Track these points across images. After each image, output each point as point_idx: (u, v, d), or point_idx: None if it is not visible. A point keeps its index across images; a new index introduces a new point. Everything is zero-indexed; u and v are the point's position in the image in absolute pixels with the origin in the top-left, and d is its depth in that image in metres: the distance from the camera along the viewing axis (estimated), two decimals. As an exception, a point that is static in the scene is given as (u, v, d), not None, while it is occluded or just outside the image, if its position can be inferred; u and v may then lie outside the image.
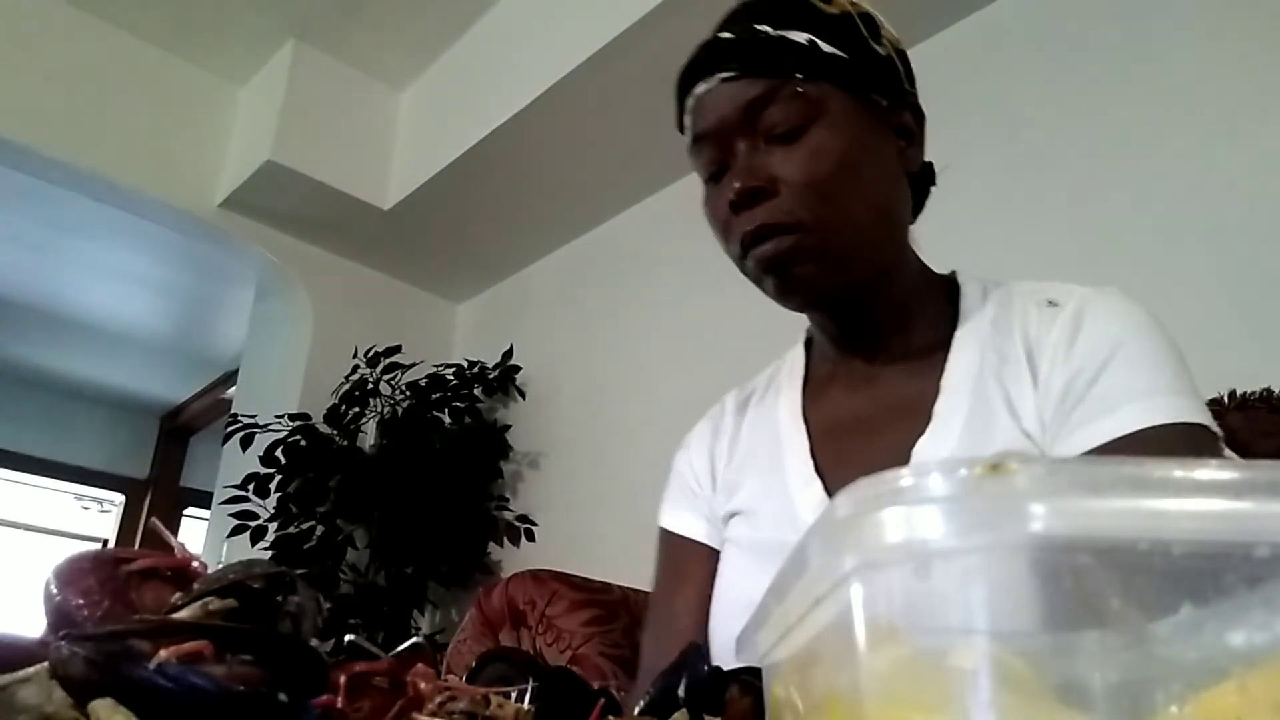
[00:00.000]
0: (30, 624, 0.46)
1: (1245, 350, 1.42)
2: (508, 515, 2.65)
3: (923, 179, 0.79)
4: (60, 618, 0.43)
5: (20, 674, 0.36)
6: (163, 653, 0.35)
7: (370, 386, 2.73)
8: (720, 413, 0.91)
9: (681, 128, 0.79)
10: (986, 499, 0.21)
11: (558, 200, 2.77)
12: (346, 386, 2.73)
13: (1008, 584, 0.22)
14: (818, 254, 0.70)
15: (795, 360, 0.87)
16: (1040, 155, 1.83)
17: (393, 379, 2.75)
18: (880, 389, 0.77)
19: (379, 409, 2.74)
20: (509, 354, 2.86)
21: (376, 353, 2.73)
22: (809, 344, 0.88)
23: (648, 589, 1.61)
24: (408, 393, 2.77)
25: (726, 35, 0.73)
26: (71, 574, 0.45)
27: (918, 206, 0.80)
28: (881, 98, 0.73)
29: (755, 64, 0.70)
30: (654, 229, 2.68)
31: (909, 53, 0.79)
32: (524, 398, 2.87)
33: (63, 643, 0.36)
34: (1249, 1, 1.62)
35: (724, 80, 0.71)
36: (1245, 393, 1.29)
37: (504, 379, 2.83)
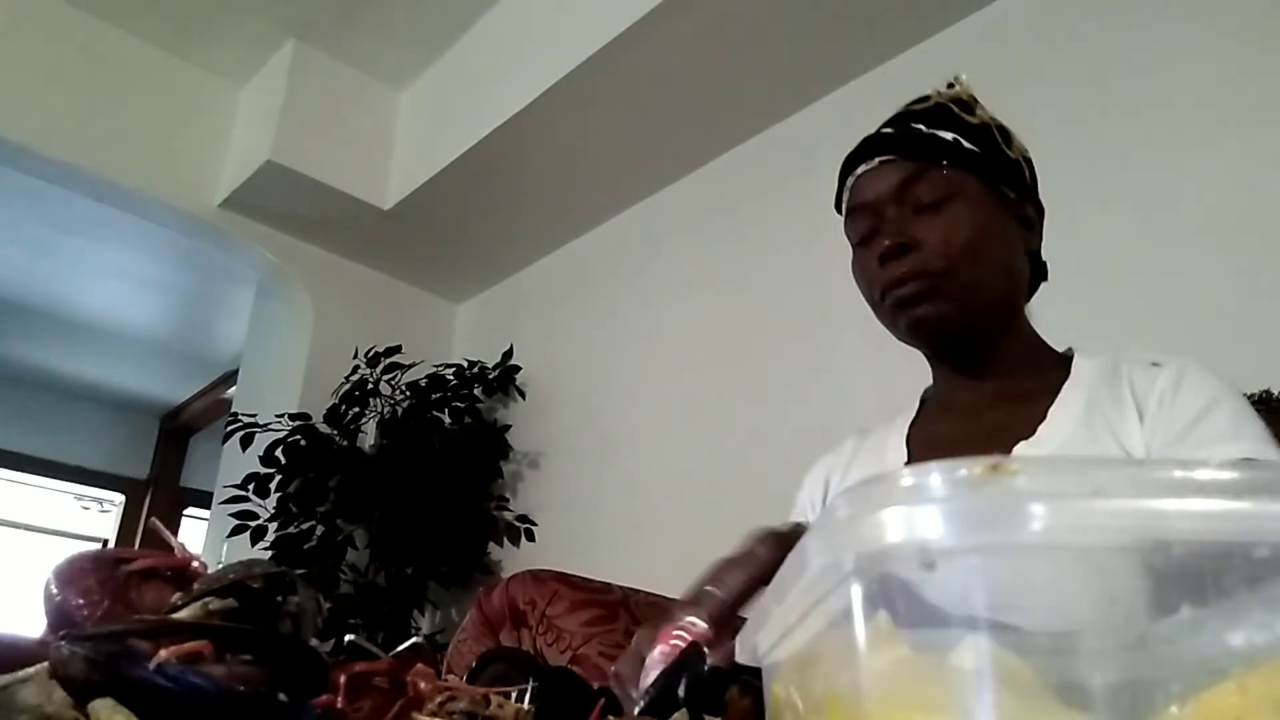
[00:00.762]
0: (30, 624, 0.46)
1: (1244, 351, 1.42)
2: (508, 515, 2.65)
3: (1037, 269, 0.94)
4: (60, 618, 0.43)
5: (20, 674, 0.36)
6: (163, 653, 0.35)
7: (370, 386, 2.73)
8: (839, 448, 1.03)
9: (839, 204, 0.94)
10: (986, 499, 0.21)
11: (558, 200, 2.77)
12: (346, 386, 2.73)
13: (1007, 584, 0.22)
14: (948, 298, 0.84)
15: (910, 408, 1.00)
16: (1038, 157, 1.83)
17: (393, 379, 2.75)
18: (986, 417, 0.88)
19: (379, 409, 2.74)
20: (509, 354, 2.86)
21: (376, 353, 2.73)
22: (924, 401, 1.00)
23: (648, 589, 1.62)
24: (408, 393, 2.77)
25: (887, 130, 0.89)
26: (71, 574, 0.45)
27: (1033, 288, 0.94)
28: (1010, 190, 0.88)
29: (909, 150, 0.86)
30: (654, 229, 2.68)
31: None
32: (524, 398, 2.87)
33: (63, 643, 0.36)
34: (1248, 4, 1.62)
35: (882, 163, 0.87)
36: (1245, 394, 1.29)
37: (504, 379, 2.82)
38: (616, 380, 2.63)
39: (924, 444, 0.91)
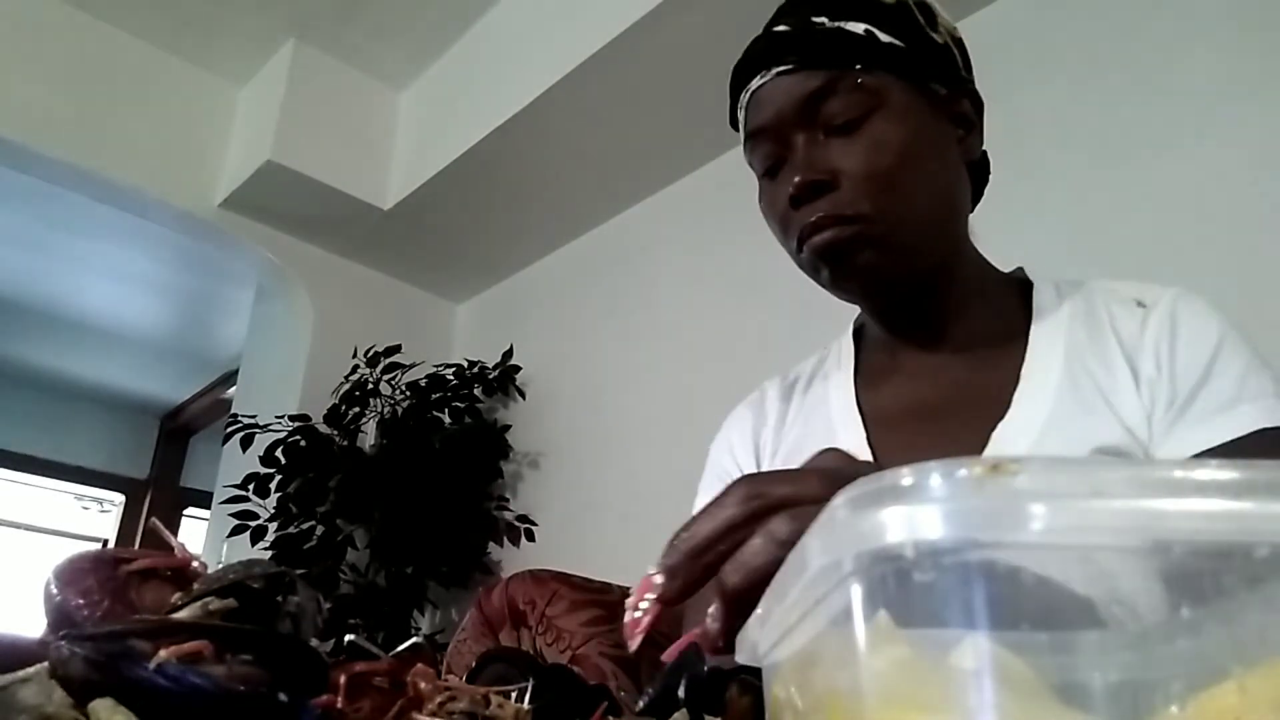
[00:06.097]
0: (30, 624, 0.46)
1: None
2: (508, 515, 2.65)
3: (979, 169, 0.79)
4: (60, 618, 0.43)
5: (20, 674, 0.36)
6: (163, 653, 0.35)
7: (370, 386, 2.73)
8: (761, 399, 0.88)
9: (734, 123, 0.78)
10: (986, 499, 0.21)
11: (558, 200, 2.77)
12: (346, 386, 2.73)
13: (1008, 584, 0.22)
14: (879, 244, 0.69)
15: (845, 349, 0.84)
16: (1041, 155, 1.83)
17: (393, 379, 2.75)
18: (946, 378, 0.75)
19: (379, 409, 2.74)
20: (509, 354, 2.86)
21: (376, 353, 2.73)
22: (858, 333, 0.85)
23: (648, 589, 1.62)
24: (408, 393, 2.77)
25: (782, 28, 0.72)
26: (71, 574, 0.45)
27: (976, 196, 0.80)
28: (940, 86, 0.72)
29: (813, 56, 0.69)
30: (654, 229, 2.68)
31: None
32: (524, 398, 2.87)
33: (63, 643, 0.36)
34: (1251, 0, 1.62)
35: (781, 74, 0.70)
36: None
37: (504, 379, 2.82)
38: (617, 380, 2.63)
39: (880, 417, 0.76)
